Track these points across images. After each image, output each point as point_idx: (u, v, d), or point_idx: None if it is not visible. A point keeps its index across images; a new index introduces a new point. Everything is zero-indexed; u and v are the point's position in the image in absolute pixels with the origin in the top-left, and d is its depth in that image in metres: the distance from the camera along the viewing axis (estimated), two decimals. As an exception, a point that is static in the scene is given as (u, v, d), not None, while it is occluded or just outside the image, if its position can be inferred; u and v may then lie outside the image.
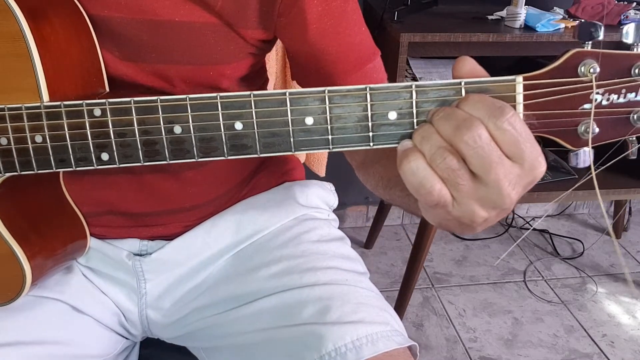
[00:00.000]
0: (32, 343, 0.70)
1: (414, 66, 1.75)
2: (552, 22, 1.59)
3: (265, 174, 0.88)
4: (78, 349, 0.75)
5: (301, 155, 1.33)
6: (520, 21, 1.61)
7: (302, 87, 0.78)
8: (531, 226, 2.38)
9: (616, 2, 1.73)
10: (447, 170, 0.47)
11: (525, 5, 1.61)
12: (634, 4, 1.73)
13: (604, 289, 2.05)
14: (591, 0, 1.70)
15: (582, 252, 2.24)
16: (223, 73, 0.72)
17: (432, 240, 1.75)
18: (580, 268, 2.15)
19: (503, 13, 1.67)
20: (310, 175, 0.99)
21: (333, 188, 0.95)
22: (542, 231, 2.34)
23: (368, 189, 0.79)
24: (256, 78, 0.80)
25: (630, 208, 2.34)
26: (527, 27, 1.61)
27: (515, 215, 2.40)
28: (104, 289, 0.81)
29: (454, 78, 0.50)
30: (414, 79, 1.71)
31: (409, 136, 0.50)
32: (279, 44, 1.26)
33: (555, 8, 1.73)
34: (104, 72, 0.66)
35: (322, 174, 1.43)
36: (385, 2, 1.65)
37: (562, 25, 1.61)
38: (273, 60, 1.25)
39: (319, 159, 1.43)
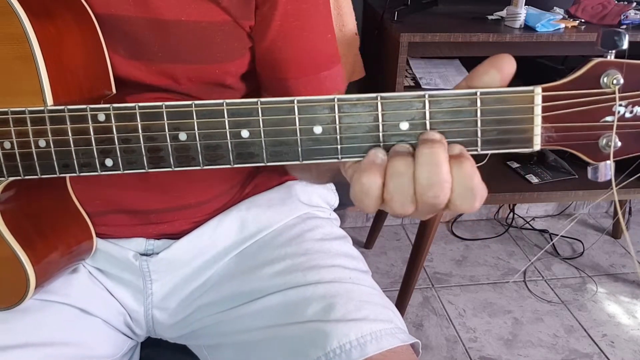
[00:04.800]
0: (41, 344, 0.70)
1: (414, 66, 1.75)
2: (552, 22, 1.59)
3: (267, 173, 0.88)
4: (87, 350, 0.75)
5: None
6: (520, 21, 1.61)
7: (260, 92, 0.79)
8: (531, 226, 2.38)
9: (616, 2, 1.73)
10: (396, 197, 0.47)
11: (525, 5, 1.61)
12: (634, 4, 1.73)
13: (604, 289, 2.05)
14: (591, 0, 1.70)
15: (582, 252, 2.24)
16: (228, 70, 0.73)
17: (432, 240, 1.75)
18: (580, 268, 2.15)
19: (503, 13, 1.67)
20: (311, 175, 0.99)
21: (334, 187, 0.95)
22: (542, 231, 2.34)
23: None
24: (255, 75, 0.81)
25: (630, 208, 2.34)
26: (527, 27, 1.61)
27: (516, 215, 2.40)
28: (111, 289, 0.81)
29: (485, 71, 0.47)
30: (414, 79, 1.71)
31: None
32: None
33: (555, 8, 1.73)
34: (110, 73, 0.66)
35: (323, 174, 1.43)
36: (385, 2, 1.65)
37: (562, 25, 1.61)
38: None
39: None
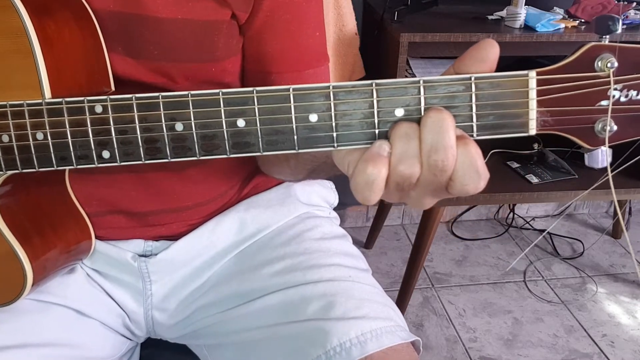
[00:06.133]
0: (39, 345, 0.70)
1: (414, 66, 1.75)
2: (552, 22, 1.59)
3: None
4: (85, 351, 0.75)
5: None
6: (520, 21, 1.61)
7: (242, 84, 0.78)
8: (531, 226, 2.38)
9: (616, 2, 1.73)
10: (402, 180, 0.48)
11: (525, 5, 1.61)
12: (634, 4, 1.73)
13: (604, 289, 2.05)
14: (591, 0, 1.70)
15: (582, 252, 2.24)
16: (225, 68, 0.73)
17: (432, 240, 1.75)
18: (580, 268, 2.15)
19: (503, 13, 1.67)
20: (311, 174, 0.99)
21: (333, 186, 0.95)
22: (542, 231, 2.34)
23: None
24: None
25: (630, 208, 2.33)
26: (527, 27, 1.61)
27: (516, 215, 2.40)
28: (110, 290, 0.81)
29: (471, 60, 0.48)
30: (414, 79, 1.71)
31: None
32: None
33: (555, 8, 1.73)
34: (109, 70, 0.66)
35: (322, 173, 1.43)
36: (385, 2, 1.65)
37: (562, 25, 1.61)
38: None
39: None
